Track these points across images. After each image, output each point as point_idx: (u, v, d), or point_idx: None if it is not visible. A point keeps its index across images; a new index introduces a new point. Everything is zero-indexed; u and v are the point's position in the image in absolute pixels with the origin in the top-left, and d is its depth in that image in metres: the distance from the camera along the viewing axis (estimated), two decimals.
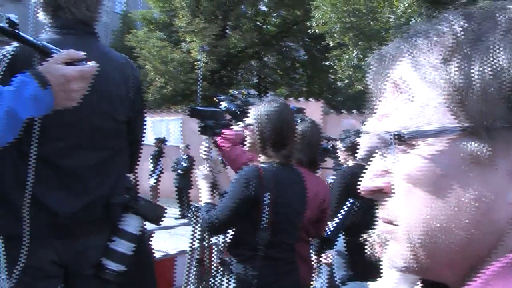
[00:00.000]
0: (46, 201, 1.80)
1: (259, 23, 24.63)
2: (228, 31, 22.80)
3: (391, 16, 13.79)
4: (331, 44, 14.97)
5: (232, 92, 3.88)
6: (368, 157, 2.46)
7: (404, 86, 0.55)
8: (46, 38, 1.82)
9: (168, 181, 12.97)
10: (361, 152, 3.12)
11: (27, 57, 1.72)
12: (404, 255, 0.54)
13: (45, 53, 1.38)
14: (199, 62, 19.50)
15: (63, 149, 1.85)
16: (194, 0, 21.49)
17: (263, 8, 24.73)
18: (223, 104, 3.68)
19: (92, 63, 1.34)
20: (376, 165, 0.59)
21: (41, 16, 1.99)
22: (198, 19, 20.61)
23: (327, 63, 17.19)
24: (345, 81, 16.72)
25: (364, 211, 2.79)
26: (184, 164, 12.02)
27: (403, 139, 0.52)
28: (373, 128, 0.61)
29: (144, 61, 20.46)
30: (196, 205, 2.98)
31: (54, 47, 1.39)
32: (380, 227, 0.58)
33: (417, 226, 0.52)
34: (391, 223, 0.56)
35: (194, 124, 12.11)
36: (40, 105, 1.25)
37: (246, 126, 2.62)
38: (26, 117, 1.22)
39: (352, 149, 3.94)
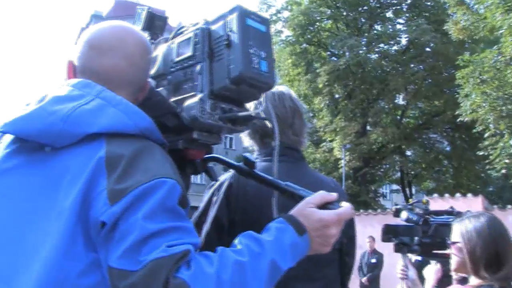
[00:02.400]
0: None
1: (398, 117, 24.33)
2: (368, 128, 22.76)
3: None
4: (487, 134, 14.11)
5: (411, 200, 3.66)
6: None
7: None
8: (257, 166, 1.82)
9: None
10: None
11: (242, 186, 1.72)
12: None
13: (291, 195, 1.33)
14: (341, 161, 19.50)
15: (280, 282, 1.79)
16: (333, 100, 22.01)
17: (401, 102, 24.50)
18: (403, 214, 3.47)
19: (345, 204, 1.26)
20: None
21: (248, 142, 2.00)
22: (337, 118, 20.95)
23: (480, 152, 16.11)
24: (503, 171, 15.47)
25: None
26: None
27: None
28: None
29: None
30: None
31: (301, 188, 1.33)
32: None
33: None
34: None
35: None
36: (297, 253, 1.17)
37: (452, 243, 2.39)
38: (286, 267, 1.14)
39: None
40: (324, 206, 1.23)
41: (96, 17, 35.13)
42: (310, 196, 1.26)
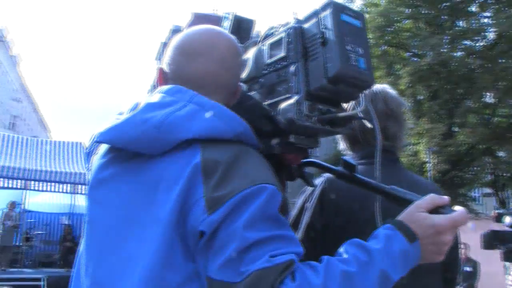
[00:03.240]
0: None
1: (488, 116, 22.99)
2: (455, 129, 21.70)
3: None
4: None
5: None
6: None
7: None
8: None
9: None
10: None
11: (334, 191, 1.65)
12: None
13: (397, 199, 1.22)
14: (428, 164, 18.75)
15: None
16: (416, 102, 21.26)
17: (490, 100, 23.12)
18: (507, 219, 3.22)
19: (459, 208, 1.14)
20: None
21: (342, 146, 1.95)
22: (422, 120, 20.17)
23: None
24: None
25: None
26: None
27: None
28: None
29: None
30: None
31: (407, 191, 1.23)
32: None
33: None
34: None
35: None
36: (408, 262, 1.06)
37: None
38: (396, 278, 1.04)
39: None
40: (436, 210, 1.11)
41: (176, 32, 35.98)
42: (420, 199, 1.15)
